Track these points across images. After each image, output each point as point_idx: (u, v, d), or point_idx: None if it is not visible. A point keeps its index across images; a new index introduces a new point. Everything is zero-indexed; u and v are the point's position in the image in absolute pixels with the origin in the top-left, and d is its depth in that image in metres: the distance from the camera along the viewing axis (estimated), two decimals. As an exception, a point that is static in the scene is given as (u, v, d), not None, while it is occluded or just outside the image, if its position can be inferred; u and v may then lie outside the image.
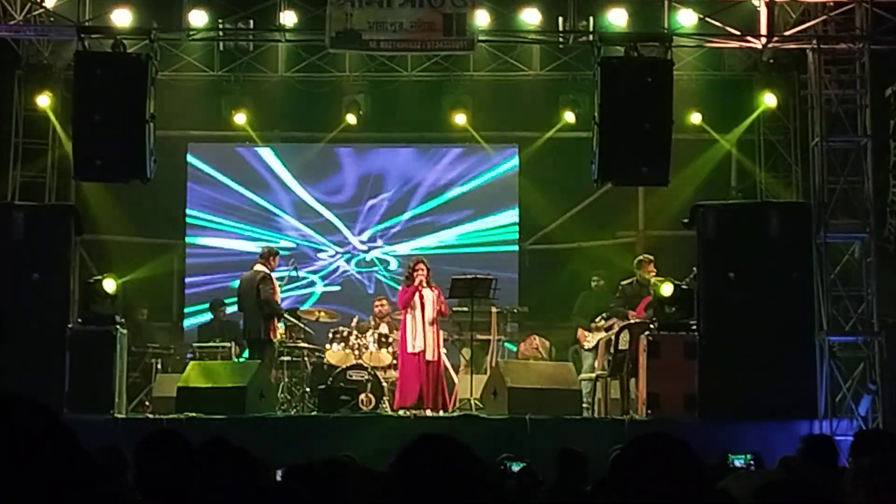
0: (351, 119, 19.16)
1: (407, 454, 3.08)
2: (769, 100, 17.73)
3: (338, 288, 20.27)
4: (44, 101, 17.27)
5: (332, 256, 20.36)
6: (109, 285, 15.16)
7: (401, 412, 15.57)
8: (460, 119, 19.15)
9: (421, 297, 15.90)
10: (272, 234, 20.23)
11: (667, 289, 15.30)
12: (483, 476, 3.11)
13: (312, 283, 20.09)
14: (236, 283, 16.99)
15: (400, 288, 16.51)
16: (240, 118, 19.07)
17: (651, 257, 16.70)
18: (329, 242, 20.37)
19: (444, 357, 16.67)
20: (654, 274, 16.26)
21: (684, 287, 15.36)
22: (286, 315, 17.40)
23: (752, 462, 9.28)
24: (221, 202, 20.25)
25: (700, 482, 3.25)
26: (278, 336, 16.59)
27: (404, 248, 20.22)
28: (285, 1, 15.47)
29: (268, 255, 16.82)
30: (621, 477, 3.27)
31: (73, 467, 2.54)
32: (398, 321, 16.88)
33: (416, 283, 15.92)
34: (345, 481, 5.64)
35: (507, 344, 18.02)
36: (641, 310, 16.02)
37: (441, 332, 16.33)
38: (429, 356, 15.82)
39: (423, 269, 16.06)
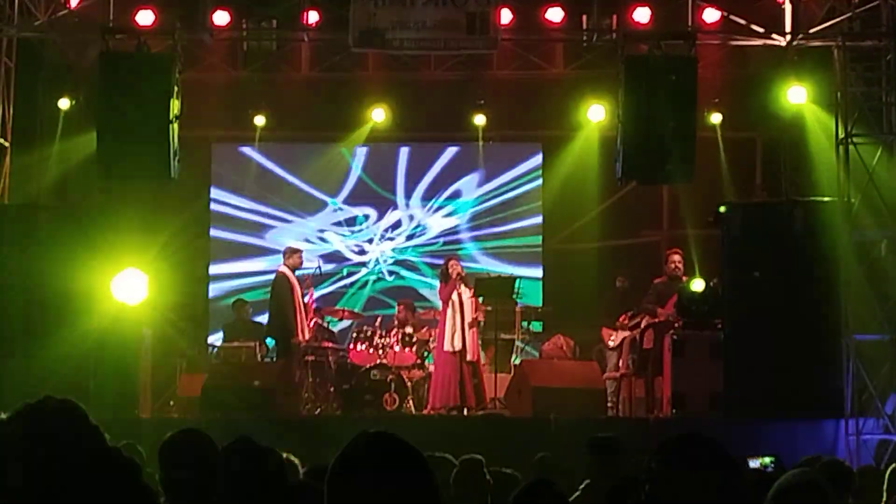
0: (378, 116, 19.11)
1: (347, 453, 3.09)
2: (799, 95, 17.59)
3: (363, 288, 20.31)
4: (64, 104, 17.34)
5: (358, 255, 20.37)
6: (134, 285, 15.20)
7: (424, 412, 15.59)
8: (483, 118, 19.14)
9: (459, 295, 15.88)
10: (296, 233, 20.27)
11: (698, 284, 15.25)
12: (428, 472, 3.13)
13: (339, 279, 20.10)
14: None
15: (438, 286, 16.46)
16: (263, 117, 19.10)
17: (675, 249, 16.60)
18: (353, 241, 20.39)
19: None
20: (675, 265, 16.17)
21: (711, 285, 15.34)
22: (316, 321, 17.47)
23: (772, 466, 9.19)
24: (245, 201, 20.29)
25: (736, 484, 3.24)
26: (303, 336, 16.56)
27: (427, 247, 20.23)
28: (308, 0, 15.49)
29: (289, 254, 16.88)
30: (658, 478, 3.26)
31: (103, 466, 2.56)
32: (423, 322, 16.88)
33: (454, 277, 15.89)
34: None
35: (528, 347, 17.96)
36: (671, 307, 15.96)
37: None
38: (469, 356, 15.79)
39: (456, 265, 16.09)
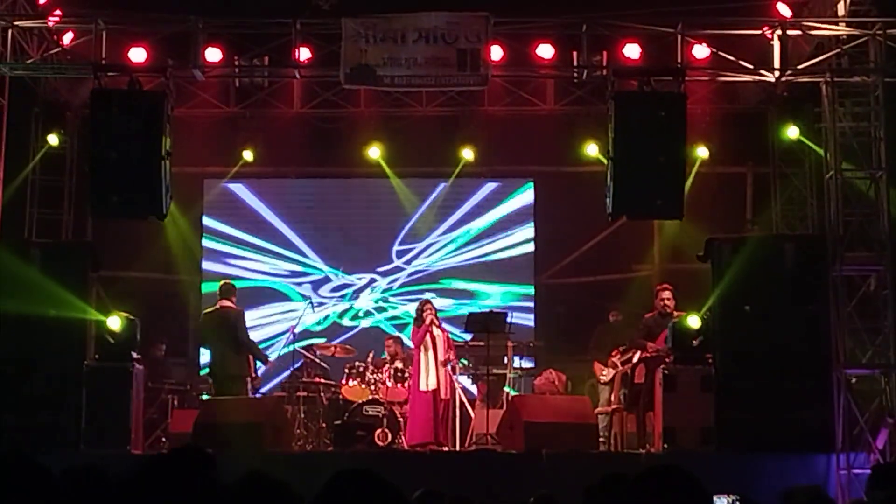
0: (374, 153, 19.24)
1: (327, 491, 3.13)
2: (789, 130, 17.74)
3: (355, 322, 20.34)
4: (53, 139, 17.40)
5: (350, 291, 20.40)
6: (114, 322, 15.21)
7: (417, 448, 15.62)
8: (475, 154, 19.22)
9: (432, 337, 16.15)
10: (289, 269, 20.32)
11: (693, 321, 15.26)
12: None
13: (327, 318, 20.14)
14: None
15: (412, 328, 16.72)
16: (255, 154, 19.16)
17: (665, 285, 16.61)
18: (345, 277, 20.42)
19: (459, 392, 16.75)
20: (664, 301, 16.18)
21: (704, 319, 15.36)
22: (302, 350, 17.50)
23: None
24: (237, 238, 20.34)
25: None
26: (251, 374, 16.55)
27: (420, 283, 20.28)
28: (300, 37, 15.57)
29: (230, 291, 16.64)
30: None
31: None
32: (412, 357, 16.97)
33: (427, 322, 16.17)
34: None
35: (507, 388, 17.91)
36: (662, 341, 15.97)
37: (452, 368, 16.49)
38: (442, 394, 16.01)
39: (431, 309, 16.35)
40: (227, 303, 16.44)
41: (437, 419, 15.98)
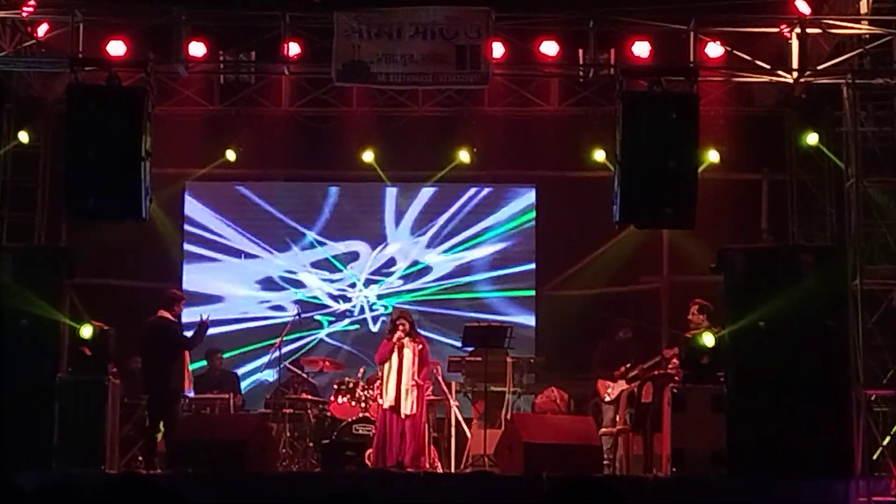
0: (367, 158, 19.23)
1: None
2: (807, 135, 17.74)
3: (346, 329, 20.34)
4: (25, 137, 17.30)
5: (337, 301, 20.39)
6: (89, 332, 15.16)
7: (409, 470, 15.55)
8: (473, 157, 19.20)
9: (400, 352, 15.82)
10: (273, 277, 20.31)
11: (708, 339, 15.23)
12: None
13: (321, 326, 20.12)
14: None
15: (383, 340, 16.39)
16: (240, 154, 19.14)
17: (700, 302, 16.39)
18: (333, 287, 20.41)
19: (455, 410, 16.67)
20: (691, 316, 16.10)
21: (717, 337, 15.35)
22: (289, 365, 17.48)
23: None
24: (220, 244, 20.31)
25: None
26: (188, 386, 16.47)
27: (413, 293, 20.26)
28: (289, 31, 15.54)
29: (172, 301, 16.41)
30: None
31: None
32: None
33: (395, 338, 15.87)
34: None
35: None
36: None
37: (428, 385, 16.29)
38: (406, 410, 15.65)
39: (404, 324, 16.01)
40: (164, 313, 16.20)
41: (392, 439, 15.59)
